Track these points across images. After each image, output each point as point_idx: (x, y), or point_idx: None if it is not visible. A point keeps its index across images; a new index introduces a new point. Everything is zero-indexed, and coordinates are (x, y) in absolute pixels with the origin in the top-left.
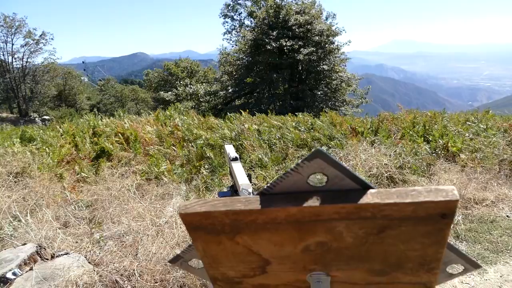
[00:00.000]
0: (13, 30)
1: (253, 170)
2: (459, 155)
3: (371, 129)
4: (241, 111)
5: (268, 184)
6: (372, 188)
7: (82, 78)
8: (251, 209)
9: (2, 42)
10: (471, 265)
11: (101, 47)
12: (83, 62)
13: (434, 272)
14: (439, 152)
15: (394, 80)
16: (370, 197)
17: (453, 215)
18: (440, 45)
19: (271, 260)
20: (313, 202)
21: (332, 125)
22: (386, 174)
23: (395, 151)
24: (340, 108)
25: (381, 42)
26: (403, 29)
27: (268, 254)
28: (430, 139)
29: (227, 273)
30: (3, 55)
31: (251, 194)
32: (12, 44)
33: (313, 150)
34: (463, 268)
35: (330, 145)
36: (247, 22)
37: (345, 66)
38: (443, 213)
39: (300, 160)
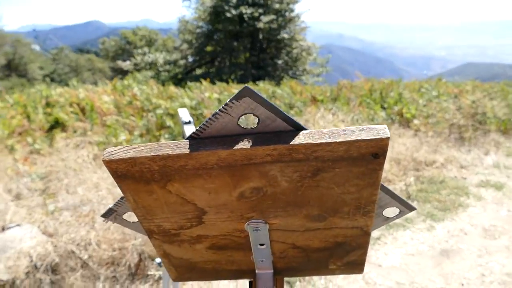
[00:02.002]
0: None
1: None
2: (413, 121)
3: (330, 97)
4: (202, 80)
5: (198, 128)
6: (305, 129)
7: (33, 46)
8: (179, 153)
9: None
10: (406, 207)
11: (53, 14)
12: (33, 30)
13: (370, 215)
14: (394, 118)
15: (353, 49)
16: (302, 138)
17: (384, 155)
18: (398, 14)
19: (207, 210)
20: (244, 144)
21: (292, 94)
22: None
23: (352, 117)
24: (301, 77)
25: (341, 11)
26: None
27: (204, 203)
28: (386, 106)
29: (163, 225)
30: None
31: None
32: None
33: (241, 88)
34: (399, 211)
35: (290, 114)
36: None
37: (305, 34)
38: (375, 152)
39: (228, 100)
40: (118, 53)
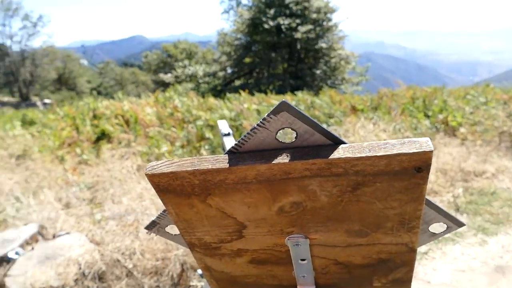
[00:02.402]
0: (10, 13)
1: None
2: (459, 129)
3: (370, 106)
4: (241, 91)
5: (236, 142)
6: (344, 143)
7: (81, 61)
8: (218, 168)
9: (1, 25)
10: (454, 223)
11: (100, 30)
12: (82, 45)
13: (415, 231)
14: (439, 126)
15: (394, 57)
16: (341, 152)
17: (428, 168)
18: (440, 20)
19: (247, 224)
20: (283, 159)
21: (331, 103)
22: None
23: (394, 127)
24: (340, 86)
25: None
26: (402, 6)
27: (243, 217)
28: (429, 114)
29: (204, 238)
30: (2, 38)
31: None
32: (10, 28)
33: (279, 103)
34: (446, 226)
35: (329, 123)
36: (244, 1)
37: (343, 43)
38: (418, 166)
39: (266, 114)
40: (160, 66)
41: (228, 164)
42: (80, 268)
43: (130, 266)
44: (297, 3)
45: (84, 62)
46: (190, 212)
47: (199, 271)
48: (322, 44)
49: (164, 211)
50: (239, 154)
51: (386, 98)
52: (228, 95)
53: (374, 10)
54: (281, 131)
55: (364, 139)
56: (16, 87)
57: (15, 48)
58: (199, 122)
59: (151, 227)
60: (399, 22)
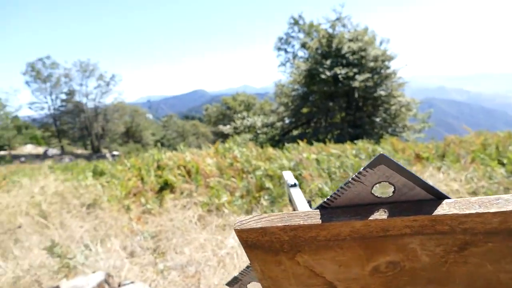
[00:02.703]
0: (87, 73)
1: (313, 200)
2: None
3: (436, 154)
4: (299, 141)
5: (328, 197)
6: (448, 198)
7: (147, 115)
8: (311, 224)
9: (78, 85)
10: None
11: (164, 87)
12: (148, 100)
13: None
14: None
15: (458, 102)
16: (446, 208)
17: None
18: (504, 63)
19: (336, 283)
20: (380, 214)
21: (394, 152)
22: None
23: (466, 176)
24: (401, 134)
25: (441, 65)
26: (463, 49)
27: (333, 276)
28: (505, 161)
29: None
30: (79, 96)
31: None
32: (86, 87)
33: (376, 156)
34: None
35: None
36: (300, 53)
37: (403, 90)
38: None
39: (362, 168)
40: (220, 118)
41: (320, 220)
42: None
43: None
44: (353, 53)
45: (150, 116)
46: (276, 269)
47: None
48: (381, 92)
49: (247, 267)
50: (332, 210)
51: (454, 145)
52: (286, 145)
53: (433, 55)
54: (377, 185)
55: None
56: (89, 140)
57: (90, 105)
58: (258, 172)
59: (232, 283)
60: (459, 66)
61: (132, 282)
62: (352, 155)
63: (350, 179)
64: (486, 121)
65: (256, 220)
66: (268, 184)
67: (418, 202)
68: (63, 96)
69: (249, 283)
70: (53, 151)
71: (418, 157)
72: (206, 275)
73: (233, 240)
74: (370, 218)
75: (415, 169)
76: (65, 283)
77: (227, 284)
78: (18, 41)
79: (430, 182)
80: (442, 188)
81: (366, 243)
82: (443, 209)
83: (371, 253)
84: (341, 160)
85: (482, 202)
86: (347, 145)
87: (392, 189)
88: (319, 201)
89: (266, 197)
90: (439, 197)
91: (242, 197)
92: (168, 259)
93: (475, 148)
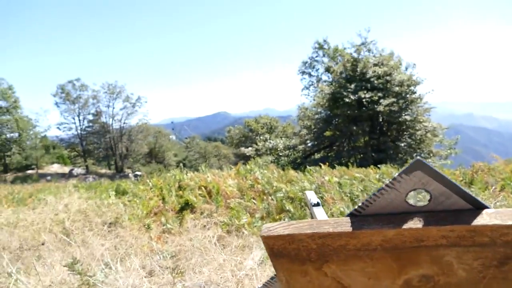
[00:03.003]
0: (114, 95)
1: None
2: None
3: (464, 181)
4: (321, 164)
5: (360, 204)
6: (487, 207)
7: (170, 136)
8: (340, 231)
9: (105, 106)
10: None
11: (187, 108)
12: (172, 122)
13: None
14: None
15: (486, 129)
16: (487, 218)
17: None
18: None
19: None
20: (415, 223)
21: None
22: None
23: (495, 204)
24: (427, 160)
25: (469, 91)
26: (492, 76)
27: None
28: None
29: None
30: (105, 117)
31: None
32: (113, 108)
33: (412, 161)
34: None
35: None
36: (324, 77)
37: (429, 115)
38: None
39: (396, 174)
40: (242, 140)
41: (351, 228)
42: None
43: None
44: (378, 77)
45: (173, 137)
46: (302, 280)
47: None
48: (406, 117)
49: (272, 278)
50: (363, 217)
51: (482, 173)
52: (308, 167)
53: (461, 81)
54: (412, 192)
55: None
56: (113, 160)
57: (115, 125)
58: (279, 194)
59: None
60: (488, 93)
61: None
62: (376, 179)
63: (384, 186)
64: None
65: (284, 227)
66: (289, 206)
67: (456, 212)
68: (90, 117)
69: None
70: (78, 170)
71: None
72: None
73: (252, 262)
74: (404, 227)
75: None
76: None
77: None
78: (49, 62)
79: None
80: None
81: (398, 254)
82: (484, 219)
83: (403, 264)
84: (364, 184)
85: None
86: (370, 169)
87: (428, 197)
88: None
89: (286, 219)
90: (479, 207)
91: (262, 218)
92: (187, 279)
93: (504, 176)
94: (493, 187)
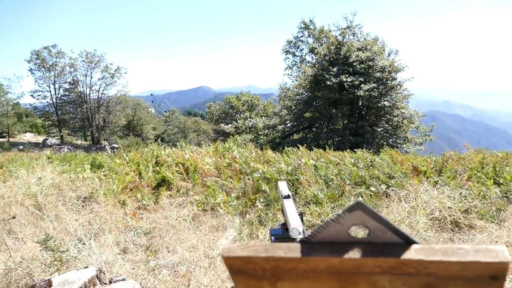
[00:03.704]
0: (92, 64)
1: (308, 207)
2: None
3: (434, 168)
4: (299, 145)
5: (309, 233)
6: (415, 243)
7: (149, 109)
8: (291, 257)
9: (83, 76)
10: None
11: (168, 81)
12: (151, 94)
13: None
14: (511, 196)
15: (461, 117)
16: (413, 253)
17: (504, 277)
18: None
19: None
20: (354, 254)
21: (392, 163)
22: (449, 218)
23: (460, 193)
24: (402, 146)
25: (448, 79)
26: (472, 65)
27: None
28: (501, 181)
29: None
30: (82, 87)
31: (302, 234)
32: (91, 77)
33: (353, 203)
34: None
35: (390, 184)
36: (308, 58)
37: (407, 102)
38: (493, 274)
39: (341, 211)
40: (222, 116)
41: (300, 254)
42: None
43: None
44: (361, 62)
45: (152, 110)
46: None
47: None
48: (385, 102)
49: (232, 287)
50: (311, 245)
51: (452, 162)
52: (286, 148)
53: (441, 69)
54: (353, 227)
55: (427, 205)
56: (89, 131)
57: (93, 96)
58: (256, 175)
59: None
60: (467, 82)
61: (123, 279)
62: (351, 163)
63: (329, 220)
64: (487, 139)
65: (242, 249)
66: (265, 187)
67: (389, 245)
68: (67, 86)
69: None
70: (52, 140)
71: (416, 170)
72: (196, 275)
73: (226, 241)
74: (345, 256)
75: (412, 183)
76: (57, 277)
77: None
78: (23, 27)
79: (424, 197)
80: (435, 205)
81: (341, 277)
82: (411, 253)
83: (344, 286)
84: (339, 168)
85: (445, 251)
86: (347, 153)
87: (367, 231)
88: (313, 207)
89: (261, 199)
90: (408, 241)
91: (238, 198)
92: (160, 257)
93: (472, 166)
94: (461, 176)
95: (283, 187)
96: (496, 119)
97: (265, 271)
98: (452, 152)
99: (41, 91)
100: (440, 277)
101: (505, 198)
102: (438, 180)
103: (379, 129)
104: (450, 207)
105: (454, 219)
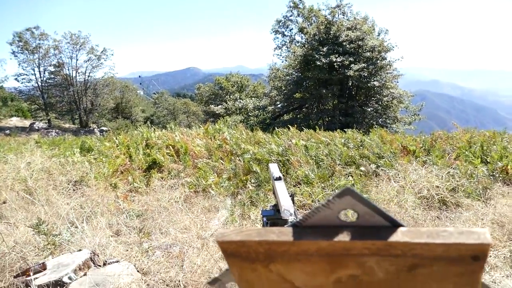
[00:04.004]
0: (77, 46)
1: (299, 187)
2: None
3: (423, 148)
4: (289, 126)
5: (300, 218)
6: (402, 226)
7: (138, 91)
8: (283, 240)
9: (68, 58)
10: None
11: (156, 62)
12: (139, 76)
13: None
14: (498, 175)
15: (450, 96)
16: (400, 236)
17: (485, 258)
18: (500, 60)
19: None
20: (344, 237)
21: (382, 143)
22: (437, 197)
23: (448, 172)
24: (391, 125)
25: (436, 57)
26: (460, 44)
27: (301, 283)
28: (488, 160)
29: None
30: (68, 69)
31: (293, 215)
32: (77, 60)
33: (342, 188)
34: None
35: (379, 164)
36: (297, 38)
37: (397, 82)
38: (475, 255)
39: (331, 197)
40: (211, 97)
41: (292, 238)
42: None
43: None
44: (351, 42)
45: (140, 92)
46: (252, 274)
47: None
48: (375, 82)
49: (226, 270)
50: (302, 229)
51: (441, 141)
52: (276, 129)
53: (430, 48)
54: (343, 211)
55: (415, 184)
56: (77, 114)
57: (79, 78)
58: (247, 156)
59: (213, 283)
60: (456, 61)
61: (117, 261)
62: (341, 143)
63: (320, 205)
64: (475, 118)
65: (236, 233)
66: (256, 167)
67: (377, 228)
68: (52, 69)
69: (228, 283)
70: (39, 124)
71: (405, 150)
72: (189, 255)
73: (218, 222)
74: (334, 239)
75: (401, 162)
76: (51, 260)
77: (209, 283)
78: (4, 7)
79: (413, 176)
80: (423, 184)
81: (331, 259)
82: (397, 236)
83: (334, 267)
84: (330, 148)
85: (430, 233)
86: (337, 133)
87: (356, 215)
88: (304, 187)
89: (252, 180)
90: (395, 225)
91: (229, 179)
92: (153, 239)
93: (461, 145)
94: (449, 155)
95: (275, 169)
96: (484, 98)
97: (258, 254)
98: (441, 131)
99: (26, 74)
100: (425, 257)
101: (491, 177)
102: (426, 160)
103: (369, 109)
104: (438, 186)
105: (441, 197)
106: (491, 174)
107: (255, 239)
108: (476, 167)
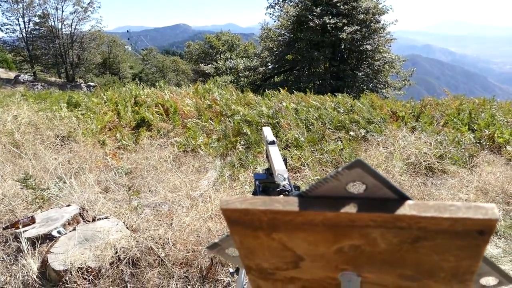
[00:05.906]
0: None
1: (288, 150)
2: (506, 147)
3: (412, 114)
4: (280, 88)
5: (307, 188)
6: (409, 199)
7: (126, 47)
8: (289, 210)
9: (53, 9)
10: (507, 279)
11: (145, 17)
12: (127, 31)
13: (467, 283)
14: (484, 142)
15: (441, 62)
16: (407, 209)
17: (491, 233)
18: (495, 26)
19: (304, 257)
20: (350, 208)
21: (372, 108)
22: (424, 164)
23: (436, 139)
24: (382, 91)
25: (431, 22)
26: (455, 9)
27: (302, 252)
28: (475, 128)
29: (261, 264)
30: (54, 21)
31: (286, 180)
32: (62, 11)
33: (354, 160)
34: (498, 281)
35: (369, 129)
36: None
37: (389, 46)
38: (481, 230)
39: (340, 168)
40: (201, 56)
41: (298, 208)
42: (116, 253)
43: (163, 255)
44: (345, 3)
45: (128, 48)
46: (254, 242)
47: (231, 270)
48: (367, 46)
49: (227, 235)
50: (308, 199)
51: (430, 107)
52: (267, 91)
53: (424, 11)
54: (351, 183)
55: (404, 150)
56: (63, 68)
57: (66, 31)
58: (237, 117)
59: (212, 247)
60: (449, 25)
61: (106, 217)
62: (331, 108)
63: (329, 176)
64: (465, 84)
65: (240, 201)
66: (246, 129)
67: (384, 201)
68: (36, 20)
69: (228, 248)
70: (25, 77)
71: (395, 115)
72: (178, 214)
73: (207, 183)
74: (341, 211)
75: (390, 128)
76: (40, 214)
77: (208, 248)
78: None
79: (402, 142)
80: (411, 150)
81: (335, 229)
82: (405, 209)
83: (338, 237)
84: (320, 112)
85: (438, 207)
86: (327, 97)
87: (364, 187)
88: (294, 150)
89: (242, 142)
90: (402, 197)
91: (218, 140)
92: (142, 197)
93: (449, 112)
94: (438, 122)
95: (268, 133)
96: (475, 64)
97: (262, 222)
98: (430, 97)
99: (10, 24)
100: (430, 230)
101: (478, 144)
102: (416, 126)
103: (360, 73)
104: (426, 153)
105: (428, 164)
106: (478, 141)
107: (260, 208)
108: (464, 134)
